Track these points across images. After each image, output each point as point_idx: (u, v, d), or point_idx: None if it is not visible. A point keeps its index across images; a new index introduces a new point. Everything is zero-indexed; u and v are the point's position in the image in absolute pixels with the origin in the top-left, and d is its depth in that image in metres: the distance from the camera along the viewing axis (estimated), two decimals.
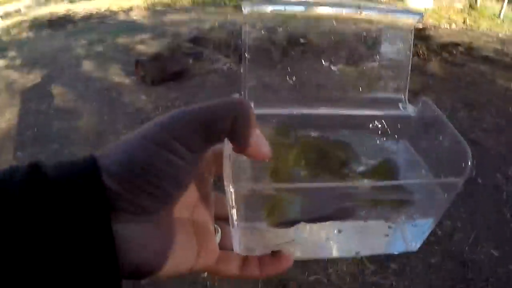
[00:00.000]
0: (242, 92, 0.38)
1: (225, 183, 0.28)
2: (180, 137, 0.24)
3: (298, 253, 0.36)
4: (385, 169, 0.38)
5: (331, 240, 0.37)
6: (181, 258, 0.27)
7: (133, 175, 0.23)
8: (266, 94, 0.39)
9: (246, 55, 0.37)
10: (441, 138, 0.35)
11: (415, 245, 0.38)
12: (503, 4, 5.34)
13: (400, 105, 0.41)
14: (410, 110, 0.40)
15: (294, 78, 0.39)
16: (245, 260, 0.31)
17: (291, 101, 0.39)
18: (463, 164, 0.32)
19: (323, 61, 0.39)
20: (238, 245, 0.32)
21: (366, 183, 0.36)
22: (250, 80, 0.39)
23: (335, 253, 0.39)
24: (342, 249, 0.39)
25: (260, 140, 0.26)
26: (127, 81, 3.19)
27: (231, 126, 0.25)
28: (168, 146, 0.24)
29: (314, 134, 0.40)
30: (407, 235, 0.38)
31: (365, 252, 0.43)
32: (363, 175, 0.37)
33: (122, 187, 0.23)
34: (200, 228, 0.30)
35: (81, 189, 0.21)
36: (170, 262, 0.25)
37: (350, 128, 0.40)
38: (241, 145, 0.26)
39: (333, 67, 0.39)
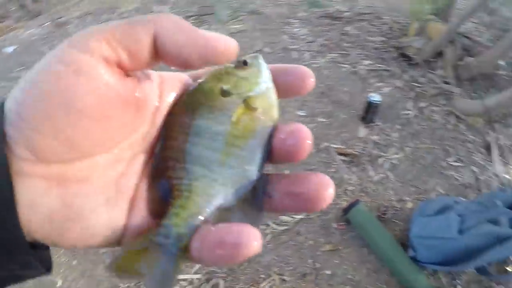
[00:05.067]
0: None
1: None
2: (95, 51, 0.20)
3: None
4: None
5: None
6: (95, 228, 0.23)
7: (32, 106, 0.20)
8: None
9: None
10: None
11: None
12: None
13: None
14: None
15: None
16: None
17: None
18: None
19: None
20: None
21: None
22: None
23: None
24: None
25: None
26: None
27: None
28: (78, 63, 0.20)
29: None
30: None
31: None
32: None
33: (19, 124, 0.20)
34: (134, 190, 0.25)
35: None
36: (76, 232, 0.22)
37: None
38: None
39: None
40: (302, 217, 1.45)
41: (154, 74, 0.25)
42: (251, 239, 0.21)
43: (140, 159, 0.25)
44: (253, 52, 0.28)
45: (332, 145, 1.77)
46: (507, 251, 1.24)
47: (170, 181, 0.25)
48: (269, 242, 1.42)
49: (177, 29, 0.22)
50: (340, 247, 1.41)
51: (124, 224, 0.24)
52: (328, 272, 1.36)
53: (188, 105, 0.26)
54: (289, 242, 1.41)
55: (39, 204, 0.21)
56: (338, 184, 1.58)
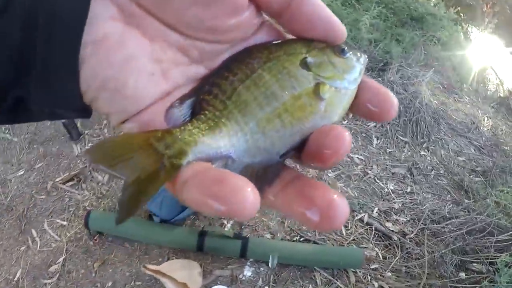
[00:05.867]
0: None
1: None
2: None
3: None
4: None
5: None
6: (125, 83, 0.21)
7: None
8: None
9: None
10: None
11: None
12: None
13: None
14: None
15: None
16: None
17: None
18: None
19: None
20: None
21: None
22: None
23: None
24: None
25: None
26: None
27: None
28: None
29: None
30: None
31: None
32: None
33: None
34: None
35: None
36: (109, 73, 0.21)
37: None
38: None
39: None
40: (64, 256, 1.45)
41: (260, 17, 0.24)
42: (250, 187, 0.18)
43: (201, 69, 0.24)
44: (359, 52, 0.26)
45: (56, 181, 1.71)
46: None
47: (204, 105, 0.23)
48: None
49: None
50: (106, 257, 1.44)
51: (143, 107, 0.22)
52: (110, 283, 1.39)
53: (266, 52, 0.24)
54: (66, 285, 1.42)
55: (99, 24, 0.20)
56: (77, 207, 1.59)
